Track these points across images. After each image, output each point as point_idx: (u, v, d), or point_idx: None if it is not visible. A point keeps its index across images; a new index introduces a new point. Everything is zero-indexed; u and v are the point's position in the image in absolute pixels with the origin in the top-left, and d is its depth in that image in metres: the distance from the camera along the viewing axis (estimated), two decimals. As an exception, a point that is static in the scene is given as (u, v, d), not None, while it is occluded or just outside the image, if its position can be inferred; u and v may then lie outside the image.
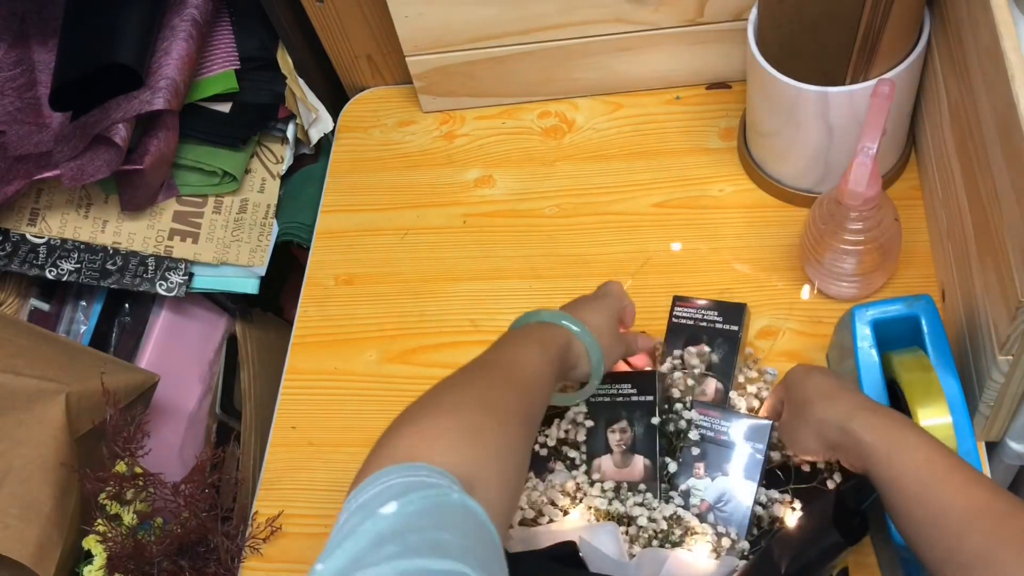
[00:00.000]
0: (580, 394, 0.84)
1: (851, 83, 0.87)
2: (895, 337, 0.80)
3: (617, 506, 0.82)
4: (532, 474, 0.86)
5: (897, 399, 0.78)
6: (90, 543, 0.85)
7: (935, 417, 0.74)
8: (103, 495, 0.86)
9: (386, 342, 1.03)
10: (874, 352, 0.79)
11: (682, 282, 0.99)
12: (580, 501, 0.83)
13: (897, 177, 1.00)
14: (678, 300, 0.94)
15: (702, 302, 0.93)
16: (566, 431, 0.88)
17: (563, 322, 0.79)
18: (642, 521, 0.80)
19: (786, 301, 0.95)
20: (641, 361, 0.90)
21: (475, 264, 1.06)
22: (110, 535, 0.85)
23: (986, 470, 0.80)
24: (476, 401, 0.65)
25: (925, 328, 0.79)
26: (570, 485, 0.84)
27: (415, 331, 1.03)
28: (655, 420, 0.84)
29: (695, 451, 0.83)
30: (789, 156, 0.98)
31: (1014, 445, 0.82)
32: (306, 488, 0.97)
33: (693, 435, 0.84)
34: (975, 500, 0.61)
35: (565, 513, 0.83)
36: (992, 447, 0.84)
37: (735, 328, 0.90)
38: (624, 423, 0.86)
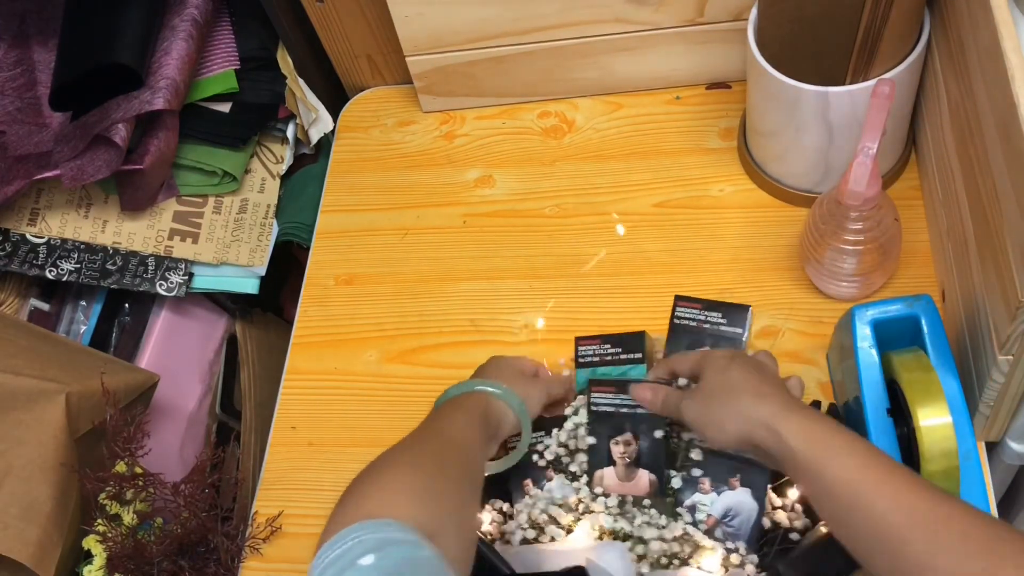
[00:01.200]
0: (515, 453, 0.84)
1: (851, 83, 0.87)
2: (895, 337, 0.80)
3: (623, 524, 0.80)
4: (530, 483, 0.85)
5: (897, 399, 0.78)
6: (90, 543, 0.85)
7: (935, 417, 0.74)
8: (103, 495, 0.86)
9: (386, 342, 1.03)
10: (874, 352, 0.79)
11: (682, 282, 0.99)
12: (582, 516, 0.81)
13: (897, 177, 1.00)
14: (680, 300, 0.92)
15: (704, 302, 0.91)
16: (565, 444, 0.86)
17: (478, 388, 0.82)
18: (654, 545, 0.78)
19: (786, 301, 0.95)
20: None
21: (475, 264, 1.06)
22: (110, 535, 0.85)
23: (986, 470, 0.79)
24: (431, 462, 0.68)
25: (925, 328, 0.79)
26: (572, 500, 0.82)
27: (415, 331, 1.03)
28: (659, 433, 0.82)
29: (696, 471, 0.81)
30: (789, 156, 0.98)
31: (1014, 445, 0.82)
32: (306, 488, 0.97)
33: (695, 454, 0.81)
34: (912, 506, 0.59)
35: (569, 531, 0.81)
36: (992, 447, 0.84)
37: (739, 331, 0.88)
38: (629, 435, 0.83)
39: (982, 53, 0.72)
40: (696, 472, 0.81)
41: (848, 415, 0.84)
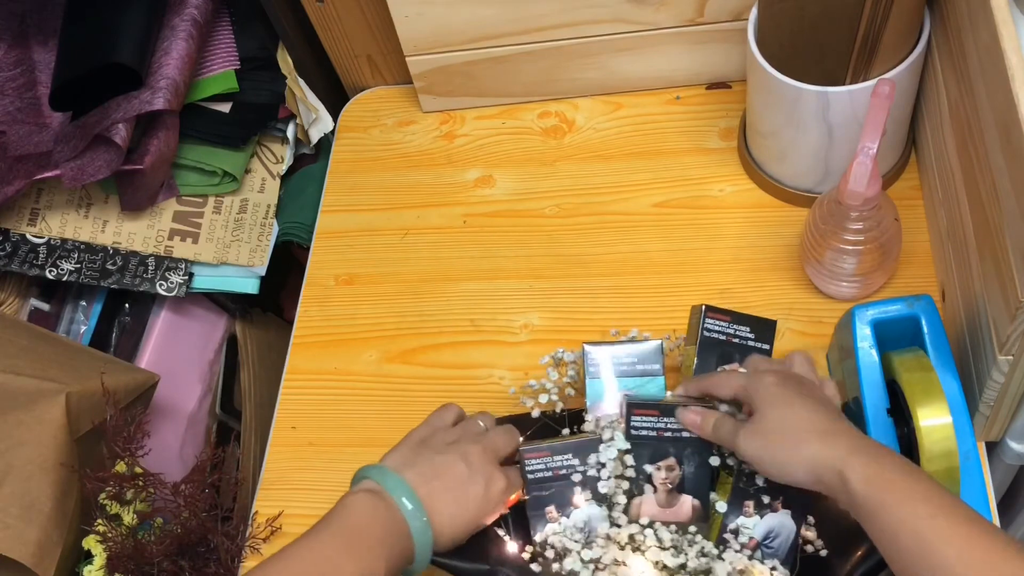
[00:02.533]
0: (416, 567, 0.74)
1: (851, 83, 0.87)
2: (895, 337, 0.80)
3: (681, 558, 0.75)
4: (554, 510, 0.78)
5: (897, 399, 0.78)
6: (90, 543, 0.85)
7: (935, 417, 0.74)
8: (103, 495, 0.86)
9: (386, 342, 1.03)
10: (874, 352, 0.79)
11: (682, 282, 0.99)
12: (635, 551, 0.76)
13: (897, 177, 1.00)
14: (709, 311, 0.84)
15: (733, 314, 0.85)
16: (603, 467, 0.79)
17: (391, 494, 0.73)
18: (720, 572, 0.74)
19: (786, 301, 0.95)
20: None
21: (475, 264, 1.06)
22: (110, 535, 0.85)
23: (986, 470, 0.80)
24: None
25: (925, 328, 0.79)
26: (615, 532, 0.77)
27: (415, 331, 1.03)
28: (715, 460, 0.78)
29: (764, 498, 0.77)
30: (789, 156, 0.98)
31: (1014, 445, 0.82)
32: (306, 488, 0.97)
33: (760, 480, 0.77)
34: (982, 560, 0.57)
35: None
36: (992, 447, 0.84)
37: (767, 347, 0.84)
38: (672, 460, 0.78)
39: (982, 53, 0.72)
40: (765, 498, 0.77)
41: (848, 415, 0.83)
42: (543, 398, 0.85)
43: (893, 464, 0.64)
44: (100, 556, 0.85)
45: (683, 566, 0.75)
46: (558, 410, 0.86)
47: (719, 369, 0.83)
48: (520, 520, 0.80)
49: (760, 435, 0.71)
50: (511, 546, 0.78)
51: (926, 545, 0.59)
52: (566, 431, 0.84)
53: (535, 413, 0.86)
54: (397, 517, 0.72)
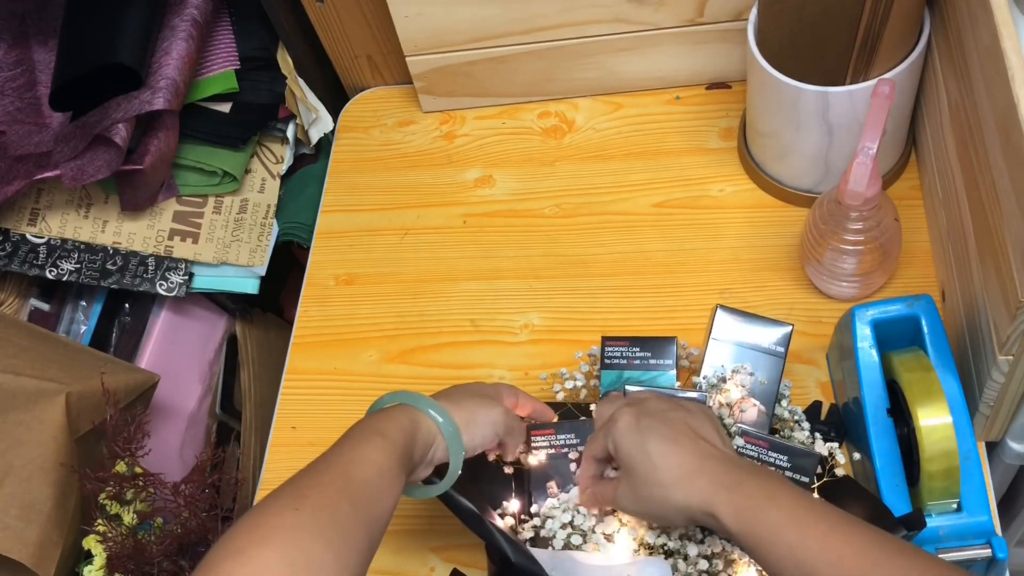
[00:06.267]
0: (442, 484, 0.74)
1: (851, 83, 0.87)
2: (895, 337, 0.80)
3: (664, 538, 0.77)
4: (555, 485, 0.82)
5: (897, 399, 0.78)
6: (90, 543, 0.85)
7: (935, 417, 0.74)
8: (103, 495, 0.86)
9: (386, 342, 1.03)
10: (874, 352, 0.79)
11: (682, 282, 0.99)
12: (621, 527, 0.79)
13: (897, 177, 1.00)
14: (721, 309, 0.85)
15: (745, 315, 0.85)
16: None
17: (408, 402, 0.72)
18: (699, 562, 0.75)
19: (786, 301, 0.95)
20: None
21: (475, 264, 1.06)
22: (110, 535, 0.85)
23: (986, 470, 0.79)
24: (309, 525, 0.58)
25: (925, 328, 0.79)
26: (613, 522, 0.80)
27: (415, 331, 1.03)
28: None
29: None
30: (789, 156, 0.98)
31: (1014, 445, 0.82)
32: (306, 488, 0.97)
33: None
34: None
35: (608, 539, 0.78)
36: (992, 447, 0.84)
37: (781, 350, 0.84)
38: None
39: (982, 53, 0.72)
40: None
41: (848, 415, 0.84)
42: (569, 384, 0.90)
43: (756, 489, 0.64)
44: (100, 556, 0.85)
45: (663, 545, 0.77)
46: (582, 397, 0.90)
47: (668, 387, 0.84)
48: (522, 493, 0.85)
49: (631, 493, 0.71)
50: (513, 504, 0.83)
51: (805, 568, 0.60)
52: (584, 418, 0.87)
53: (560, 397, 0.89)
54: (403, 416, 0.71)
